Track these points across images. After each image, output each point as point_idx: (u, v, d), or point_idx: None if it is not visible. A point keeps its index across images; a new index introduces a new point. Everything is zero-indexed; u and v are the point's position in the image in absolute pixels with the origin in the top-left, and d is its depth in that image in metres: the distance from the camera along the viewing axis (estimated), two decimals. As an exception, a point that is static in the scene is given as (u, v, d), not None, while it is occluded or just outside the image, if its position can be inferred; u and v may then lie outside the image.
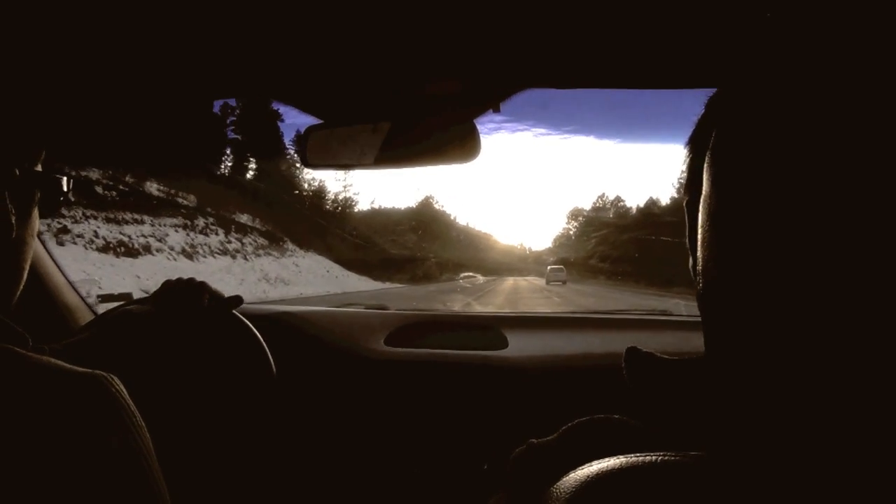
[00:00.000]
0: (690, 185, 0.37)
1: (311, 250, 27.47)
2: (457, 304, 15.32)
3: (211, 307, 1.02)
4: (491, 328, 1.54)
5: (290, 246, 25.93)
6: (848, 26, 0.26)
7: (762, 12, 0.29)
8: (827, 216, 0.25)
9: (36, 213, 0.58)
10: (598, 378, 1.12)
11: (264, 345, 1.07)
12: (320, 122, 1.09)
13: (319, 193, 39.84)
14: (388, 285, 28.54)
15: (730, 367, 0.31)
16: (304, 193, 38.27)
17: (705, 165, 0.33)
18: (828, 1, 0.27)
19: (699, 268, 0.34)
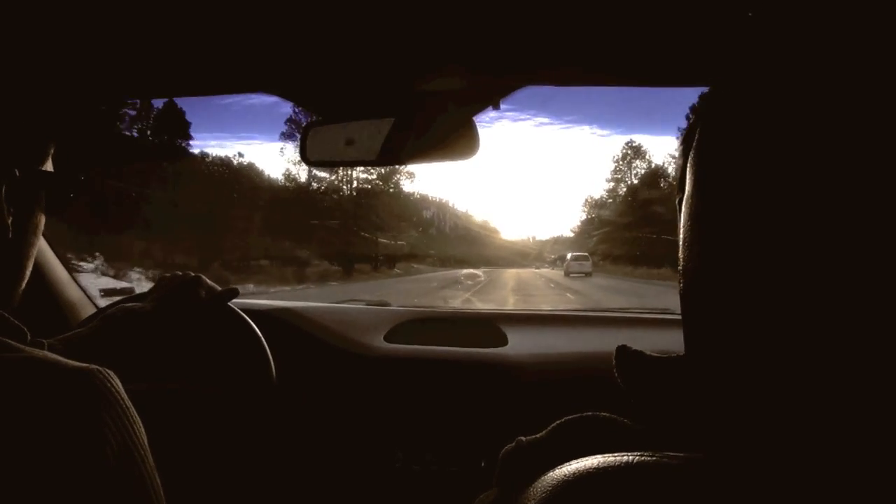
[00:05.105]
0: (681, 183, 0.37)
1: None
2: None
3: (207, 300, 1.03)
4: (490, 325, 1.54)
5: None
6: (825, 30, 0.26)
7: (747, 13, 0.29)
8: (805, 219, 0.25)
9: (40, 212, 0.57)
10: (598, 376, 1.12)
11: (263, 341, 1.07)
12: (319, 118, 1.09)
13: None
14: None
15: (708, 366, 0.31)
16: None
17: (688, 166, 0.33)
18: (807, 5, 0.27)
19: (679, 267, 0.34)
